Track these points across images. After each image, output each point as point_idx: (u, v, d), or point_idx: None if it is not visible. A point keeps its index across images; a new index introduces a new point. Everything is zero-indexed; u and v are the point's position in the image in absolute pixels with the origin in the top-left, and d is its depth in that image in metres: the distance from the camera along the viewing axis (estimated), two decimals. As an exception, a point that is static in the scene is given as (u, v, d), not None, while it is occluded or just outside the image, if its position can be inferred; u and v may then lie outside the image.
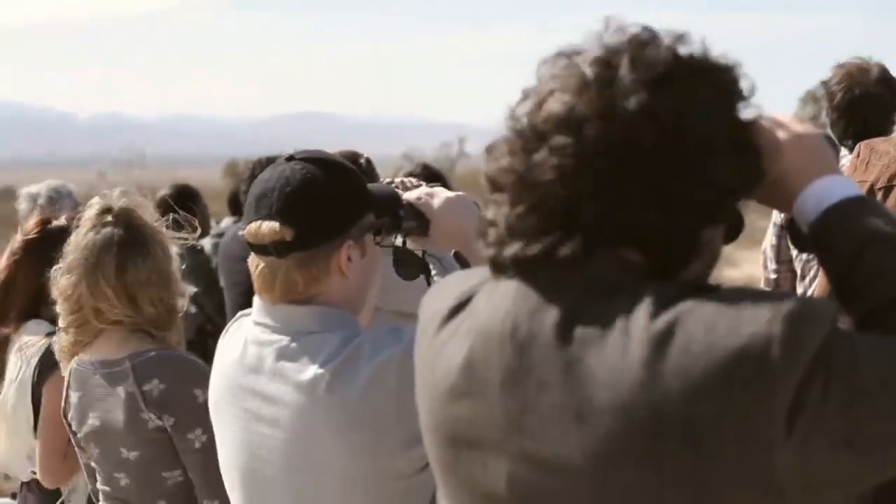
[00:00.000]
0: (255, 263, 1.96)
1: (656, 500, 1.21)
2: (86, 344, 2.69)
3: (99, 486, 2.76)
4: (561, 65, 1.31)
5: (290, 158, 1.95)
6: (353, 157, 3.21)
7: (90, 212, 2.71)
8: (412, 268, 2.19)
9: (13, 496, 4.08)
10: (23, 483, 3.63)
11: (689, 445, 1.19)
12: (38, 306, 3.20)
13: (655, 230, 1.26)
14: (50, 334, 3.07)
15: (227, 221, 6.42)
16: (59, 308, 2.74)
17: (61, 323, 2.74)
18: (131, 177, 17.88)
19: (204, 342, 4.48)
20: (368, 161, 3.35)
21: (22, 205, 5.02)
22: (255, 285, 1.97)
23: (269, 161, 4.99)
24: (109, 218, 2.68)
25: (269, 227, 1.89)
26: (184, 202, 5.69)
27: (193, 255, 5.51)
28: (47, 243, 3.05)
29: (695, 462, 1.19)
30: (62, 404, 2.78)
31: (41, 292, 3.03)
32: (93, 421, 2.67)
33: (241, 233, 1.98)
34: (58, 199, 4.95)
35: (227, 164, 23.84)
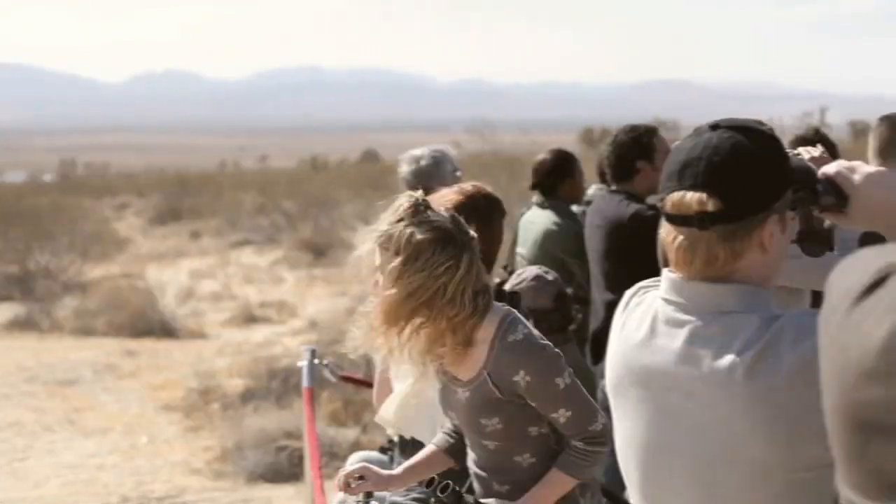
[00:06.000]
0: (671, 235, 1.89)
1: None
2: None
3: None
4: None
5: (716, 127, 1.88)
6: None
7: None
8: (819, 244, 2.07)
9: (382, 450, 4.22)
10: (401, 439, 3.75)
11: None
12: None
13: None
14: None
15: (593, 189, 6.38)
16: None
17: None
18: (485, 142, 18.29)
19: (565, 309, 4.28)
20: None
21: (403, 167, 5.12)
22: (671, 258, 1.90)
23: (632, 128, 4.91)
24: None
25: (694, 197, 1.82)
26: (562, 166, 5.70)
27: (566, 221, 5.52)
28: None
29: None
30: None
31: None
32: None
33: (659, 203, 1.92)
34: (442, 161, 5.03)
35: (582, 130, 24.13)
